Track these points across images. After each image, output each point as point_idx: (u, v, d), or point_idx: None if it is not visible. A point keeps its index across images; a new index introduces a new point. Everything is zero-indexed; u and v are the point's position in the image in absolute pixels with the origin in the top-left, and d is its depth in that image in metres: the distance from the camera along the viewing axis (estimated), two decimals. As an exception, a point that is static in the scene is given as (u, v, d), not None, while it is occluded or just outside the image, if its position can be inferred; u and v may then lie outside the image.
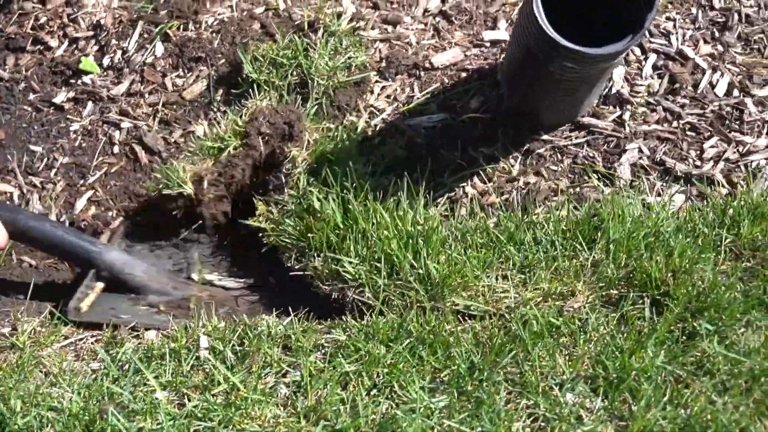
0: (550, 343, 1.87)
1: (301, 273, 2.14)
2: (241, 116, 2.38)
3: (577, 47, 1.99)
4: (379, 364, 1.86)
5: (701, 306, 1.90)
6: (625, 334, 1.88)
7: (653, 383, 1.78)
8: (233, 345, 1.96)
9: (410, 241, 2.02)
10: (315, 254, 2.10)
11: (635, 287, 1.96)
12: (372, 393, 1.84)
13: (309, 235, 2.11)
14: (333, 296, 2.08)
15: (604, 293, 1.96)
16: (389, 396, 1.83)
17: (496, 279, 2.00)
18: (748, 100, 2.44)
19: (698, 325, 1.88)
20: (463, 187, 2.32)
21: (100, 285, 2.16)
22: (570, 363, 1.84)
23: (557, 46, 2.00)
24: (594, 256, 2.04)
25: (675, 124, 2.40)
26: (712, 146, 2.36)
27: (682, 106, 2.43)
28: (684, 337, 1.89)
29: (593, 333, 1.89)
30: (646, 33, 2.58)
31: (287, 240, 2.17)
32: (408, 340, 1.91)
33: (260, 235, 2.24)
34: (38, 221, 2.15)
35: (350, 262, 2.03)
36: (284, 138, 2.30)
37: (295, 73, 2.50)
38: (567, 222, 2.10)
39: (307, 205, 2.16)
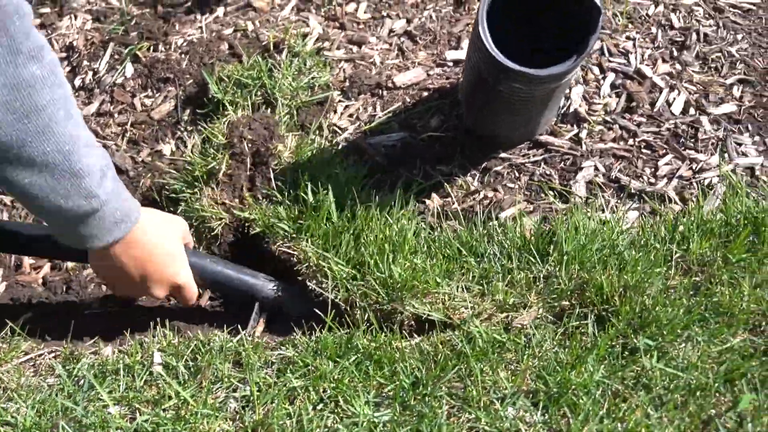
0: (494, 358, 1.90)
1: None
2: (215, 132, 2.42)
3: (523, 69, 2.04)
4: (326, 379, 1.90)
5: (644, 322, 1.93)
6: (567, 350, 1.91)
7: (592, 397, 1.81)
8: (186, 360, 1.99)
9: (386, 245, 2.07)
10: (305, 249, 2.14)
11: (582, 303, 1.99)
12: (318, 407, 1.87)
13: (300, 222, 2.19)
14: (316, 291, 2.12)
15: (554, 306, 1.99)
16: (334, 410, 1.87)
17: (457, 288, 2.04)
18: (704, 119, 2.48)
19: (639, 341, 1.90)
20: (424, 201, 2.35)
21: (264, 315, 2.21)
22: (513, 378, 1.87)
23: (504, 68, 2.05)
24: (547, 269, 2.07)
25: (631, 142, 2.44)
26: (666, 164, 2.40)
27: (639, 124, 2.47)
28: (626, 353, 1.92)
29: (537, 348, 1.92)
30: (606, 53, 2.63)
31: (278, 229, 2.20)
32: (355, 356, 1.94)
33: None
34: (215, 264, 2.19)
35: (337, 262, 2.08)
36: (266, 139, 2.35)
37: (259, 93, 2.55)
38: (521, 236, 2.14)
39: (296, 194, 2.24)
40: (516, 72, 2.05)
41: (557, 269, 2.07)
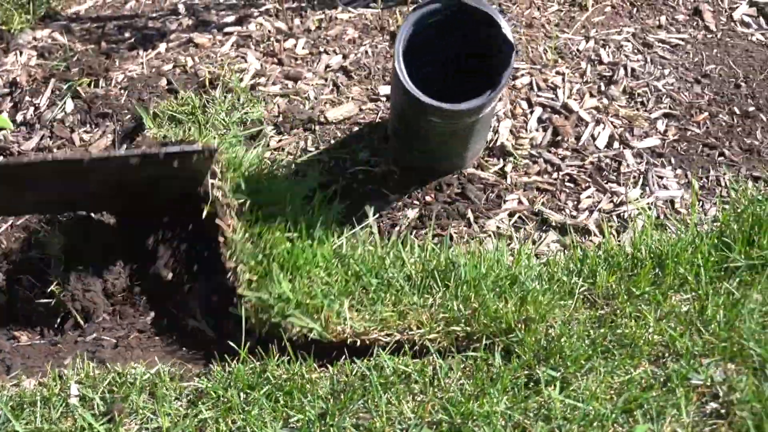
0: (400, 389, 1.94)
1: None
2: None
3: (436, 103, 2.09)
4: (235, 410, 1.93)
5: (548, 353, 1.97)
6: (472, 381, 1.94)
7: (494, 428, 1.84)
8: (103, 392, 2.03)
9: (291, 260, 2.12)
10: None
11: (488, 333, 2.02)
12: (226, 439, 1.90)
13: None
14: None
15: (456, 336, 2.03)
16: (243, 441, 1.90)
17: (349, 309, 2.08)
18: (627, 152, 2.53)
19: (542, 372, 1.94)
20: (345, 227, 2.39)
21: None
22: (417, 408, 1.90)
23: (419, 103, 2.09)
24: (446, 295, 2.10)
25: (555, 175, 2.49)
26: (588, 197, 2.44)
27: (563, 158, 2.51)
28: (531, 383, 1.95)
29: (443, 380, 1.96)
30: (535, 87, 2.68)
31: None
32: (267, 387, 1.97)
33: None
34: None
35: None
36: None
37: (192, 128, 2.59)
38: (425, 262, 2.18)
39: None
40: (431, 106, 2.10)
41: (452, 296, 2.11)
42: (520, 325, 2.03)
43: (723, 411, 1.89)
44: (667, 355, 2.01)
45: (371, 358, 2.05)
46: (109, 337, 2.33)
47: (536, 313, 2.03)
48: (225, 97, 2.65)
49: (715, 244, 2.21)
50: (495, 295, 2.09)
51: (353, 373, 2.02)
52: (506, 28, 2.06)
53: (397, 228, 2.38)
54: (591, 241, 2.33)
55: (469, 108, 2.11)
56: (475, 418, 1.87)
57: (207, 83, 2.72)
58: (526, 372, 1.98)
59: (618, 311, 2.09)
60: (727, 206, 2.37)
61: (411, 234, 2.36)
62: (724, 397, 1.91)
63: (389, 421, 1.91)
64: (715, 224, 2.30)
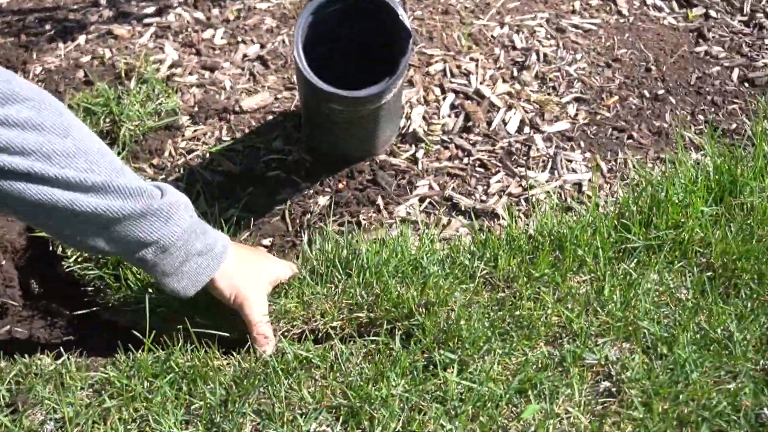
0: (302, 374, 1.97)
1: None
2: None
3: (334, 90, 2.11)
4: (138, 399, 1.95)
5: (447, 336, 2.00)
6: (371, 365, 1.97)
7: (390, 411, 1.87)
8: (9, 383, 2.04)
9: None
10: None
11: (390, 319, 2.05)
12: (129, 427, 1.92)
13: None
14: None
15: (359, 323, 2.06)
16: (145, 429, 1.92)
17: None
18: (537, 137, 2.56)
19: (441, 355, 1.97)
20: (257, 217, 2.41)
21: None
22: (317, 393, 1.93)
23: (316, 89, 2.12)
24: (349, 282, 2.14)
25: (465, 160, 2.52)
26: (497, 181, 2.47)
27: (474, 143, 2.54)
28: (431, 366, 1.98)
29: (344, 365, 1.99)
30: (448, 74, 2.71)
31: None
32: (171, 375, 2.00)
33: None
34: None
35: None
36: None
37: (107, 119, 2.60)
38: (331, 250, 2.21)
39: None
40: (329, 93, 2.12)
41: (355, 283, 2.14)
42: (421, 310, 2.06)
43: (614, 389, 1.93)
44: (564, 335, 2.05)
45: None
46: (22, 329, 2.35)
47: (437, 297, 2.06)
48: (140, 88, 2.65)
49: (615, 226, 2.25)
50: (397, 281, 2.11)
51: (256, 360, 2.04)
52: (403, 16, 2.09)
53: (307, 216, 2.40)
54: (499, 224, 2.36)
55: (368, 95, 2.13)
56: (372, 401, 1.90)
57: (123, 75, 2.73)
58: (426, 355, 2.01)
59: (518, 294, 2.12)
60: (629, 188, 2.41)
61: (320, 222, 2.38)
62: (616, 375, 1.95)
63: (289, 406, 1.93)
64: (617, 206, 2.34)
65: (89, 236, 1.75)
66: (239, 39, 2.92)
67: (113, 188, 1.68)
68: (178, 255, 1.86)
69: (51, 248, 2.47)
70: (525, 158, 2.53)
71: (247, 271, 2.02)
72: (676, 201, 2.27)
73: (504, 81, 2.72)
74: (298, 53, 2.14)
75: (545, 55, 2.80)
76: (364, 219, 2.39)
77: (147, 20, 3.05)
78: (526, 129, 2.59)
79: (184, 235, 1.83)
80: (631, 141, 2.59)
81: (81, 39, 3.00)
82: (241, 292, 2.00)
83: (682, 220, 2.24)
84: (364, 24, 2.27)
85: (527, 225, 2.34)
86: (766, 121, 2.60)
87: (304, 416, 1.92)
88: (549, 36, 2.87)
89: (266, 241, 2.37)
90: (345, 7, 2.19)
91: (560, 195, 2.45)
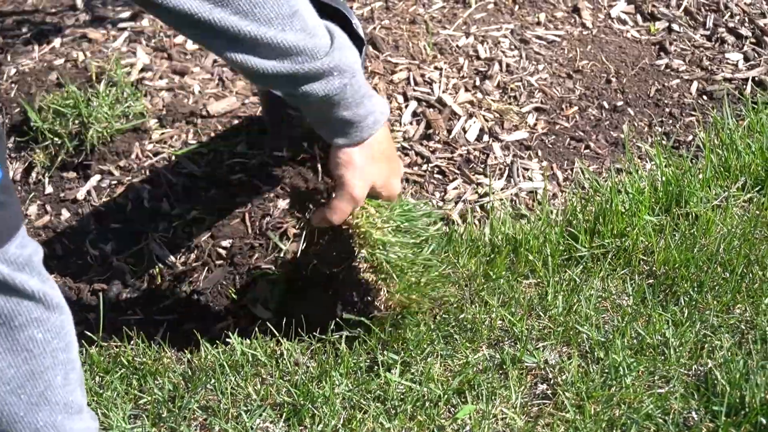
0: (248, 372, 2.02)
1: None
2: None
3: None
4: (89, 393, 2.01)
5: (393, 338, 2.05)
6: (316, 365, 2.03)
7: (332, 409, 1.93)
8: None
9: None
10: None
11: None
12: (78, 420, 1.98)
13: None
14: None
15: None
16: (95, 423, 1.97)
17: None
18: (496, 145, 2.62)
19: (385, 356, 2.03)
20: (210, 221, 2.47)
21: None
22: (263, 391, 1.99)
23: (273, 95, 2.16)
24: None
25: (425, 167, 2.57)
26: (454, 188, 2.52)
27: (434, 150, 2.60)
28: (376, 367, 2.04)
29: (291, 364, 2.04)
30: (411, 82, 2.76)
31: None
32: (122, 371, 2.05)
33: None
34: None
35: None
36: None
37: (77, 121, 2.66)
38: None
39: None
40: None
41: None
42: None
43: (550, 392, 1.98)
44: (506, 339, 2.10)
45: (223, 343, 2.13)
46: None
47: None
48: (109, 91, 2.71)
49: (563, 234, 2.30)
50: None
51: (206, 356, 2.09)
52: (357, 24, 2.14)
53: (266, 219, 2.45)
54: (454, 230, 2.41)
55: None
56: (315, 399, 1.95)
57: (94, 77, 2.79)
58: (370, 356, 2.06)
59: (463, 298, 2.17)
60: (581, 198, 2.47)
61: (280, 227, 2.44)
62: (553, 378, 2.00)
63: (235, 403, 1.99)
64: (565, 215, 2.39)
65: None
66: (210, 44, 2.98)
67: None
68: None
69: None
70: (483, 166, 2.58)
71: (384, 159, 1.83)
72: (622, 210, 2.32)
73: (466, 90, 2.77)
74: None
75: (508, 65, 2.86)
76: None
77: (122, 24, 3.11)
78: (486, 137, 2.64)
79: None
80: (588, 151, 2.65)
81: (56, 42, 3.06)
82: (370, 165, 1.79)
83: (627, 228, 2.29)
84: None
85: (482, 232, 2.38)
86: (714, 133, 2.65)
87: (248, 413, 1.97)
88: (513, 47, 2.93)
89: (226, 243, 2.42)
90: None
91: (515, 202, 2.49)
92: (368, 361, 2.07)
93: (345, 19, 2.12)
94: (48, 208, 2.56)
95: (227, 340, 2.13)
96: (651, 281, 2.21)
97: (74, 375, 1.39)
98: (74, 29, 3.12)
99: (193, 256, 2.40)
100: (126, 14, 3.16)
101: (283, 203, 2.48)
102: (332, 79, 1.61)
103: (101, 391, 2.02)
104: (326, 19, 1.84)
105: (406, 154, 2.60)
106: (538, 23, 3.06)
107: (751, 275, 2.18)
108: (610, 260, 2.25)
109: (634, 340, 2.05)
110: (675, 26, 3.13)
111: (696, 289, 2.16)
